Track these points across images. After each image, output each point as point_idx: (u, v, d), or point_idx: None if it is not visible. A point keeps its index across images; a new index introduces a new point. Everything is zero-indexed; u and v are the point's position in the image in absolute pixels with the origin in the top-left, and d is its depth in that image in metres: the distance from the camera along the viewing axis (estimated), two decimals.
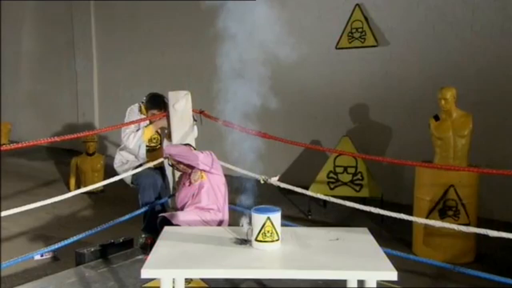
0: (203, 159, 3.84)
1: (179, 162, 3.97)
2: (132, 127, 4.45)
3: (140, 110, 4.54)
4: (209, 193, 3.82)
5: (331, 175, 5.75)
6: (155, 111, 4.51)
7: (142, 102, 4.57)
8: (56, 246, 3.72)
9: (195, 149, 4.16)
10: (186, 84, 5.05)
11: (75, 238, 3.74)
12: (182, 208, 3.86)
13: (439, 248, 4.28)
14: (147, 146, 4.56)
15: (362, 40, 6.25)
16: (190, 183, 3.90)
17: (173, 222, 3.53)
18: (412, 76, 5.95)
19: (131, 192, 4.77)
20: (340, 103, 6.47)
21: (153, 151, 4.61)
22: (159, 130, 4.63)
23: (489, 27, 5.45)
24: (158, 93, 4.64)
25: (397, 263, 2.44)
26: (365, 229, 2.98)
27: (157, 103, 4.54)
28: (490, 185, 4.93)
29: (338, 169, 5.74)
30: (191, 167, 3.93)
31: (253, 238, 2.64)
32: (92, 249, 3.98)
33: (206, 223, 3.68)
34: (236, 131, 3.44)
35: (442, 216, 4.27)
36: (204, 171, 3.86)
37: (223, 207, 3.86)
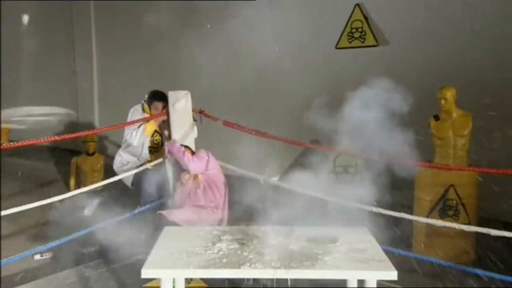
0: (194, 165, 3.82)
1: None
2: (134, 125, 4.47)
3: (143, 109, 4.57)
4: (205, 192, 3.82)
5: (331, 175, 5.74)
6: (158, 104, 4.54)
7: (144, 101, 4.59)
8: (55, 245, 3.72)
9: (192, 151, 4.13)
10: (186, 84, 5.04)
11: (74, 237, 3.74)
12: (180, 207, 3.86)
13: (439, 248, 4.27)
14: (149, 147, 4.58)
15: (362, 40, 6.24)
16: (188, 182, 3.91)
17: (170, 219, 3.54)
18: (412, 76, 5.94)
19: (131, 192, 4.76)
20: (340, 103, 6.45)
21: (155, 152, 4.63)
22: (159, 130, 4.63)
23: (489, 27, 5.44)
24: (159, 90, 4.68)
25: (397, 262, 2.44)
26: (365, 229, 2.99)
27: (159, 96, 4.59)
28: (490, 185, 4.92)
29: (338, 169, 5.73)
30: None
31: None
32: (92, 249, 3.98)
33: (203, 221, 3.68)
34: (236, 131, 3.45)
35: (442, 216, 4.27)
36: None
37: (222, 206, 3.86)
